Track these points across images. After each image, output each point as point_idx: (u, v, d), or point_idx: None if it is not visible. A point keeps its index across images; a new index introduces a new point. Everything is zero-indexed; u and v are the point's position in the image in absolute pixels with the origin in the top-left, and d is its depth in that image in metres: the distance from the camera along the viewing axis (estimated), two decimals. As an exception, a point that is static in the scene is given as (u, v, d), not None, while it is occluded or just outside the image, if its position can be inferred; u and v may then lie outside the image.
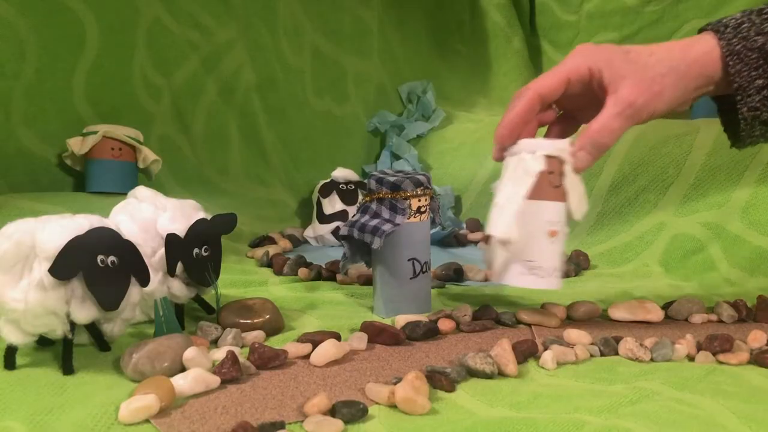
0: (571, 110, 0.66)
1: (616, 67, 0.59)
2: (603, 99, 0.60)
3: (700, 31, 0.61)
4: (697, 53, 0.59)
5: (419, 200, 0.67)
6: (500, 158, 0.64)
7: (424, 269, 0.69)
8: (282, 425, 0.43)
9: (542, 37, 1.67)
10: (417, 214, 0.67)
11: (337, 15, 1.39)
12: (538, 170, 0.60)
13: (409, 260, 0.68)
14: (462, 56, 1.66)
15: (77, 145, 0.95)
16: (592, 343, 0.60)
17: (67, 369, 0.51)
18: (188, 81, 1.14)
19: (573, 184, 0.61)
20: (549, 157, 0.61)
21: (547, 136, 0.67)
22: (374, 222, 0.66)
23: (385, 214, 0.67)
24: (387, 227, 0.65)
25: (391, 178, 0.67)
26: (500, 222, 0.61)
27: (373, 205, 0.68)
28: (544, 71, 1.86)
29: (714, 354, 0.57)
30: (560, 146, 0.61)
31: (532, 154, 0.61)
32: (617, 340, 0.60)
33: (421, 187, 0.67)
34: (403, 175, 0.68)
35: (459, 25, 1.66)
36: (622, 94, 0.58)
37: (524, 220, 0.60)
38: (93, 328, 0.54)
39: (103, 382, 0.50)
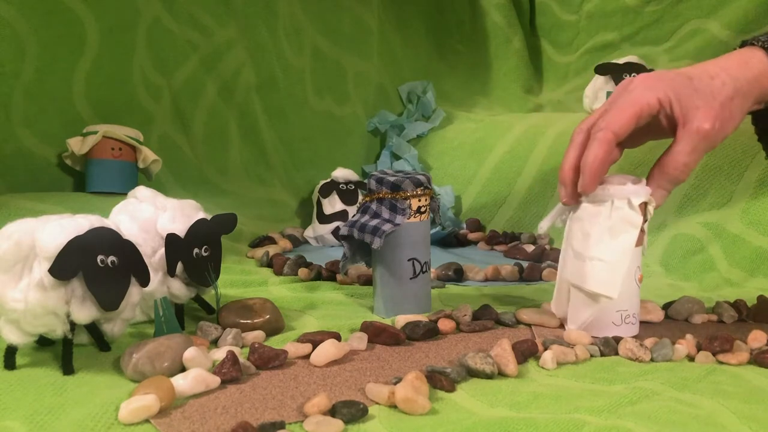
0: None
1: (685, 97, 0.57)
2: (666, 128, 0.58)
3: (743, 44, 0.60)
4: (755, 72, 0.58)
5: (419, 200, 0.67)
6: (574, 203, 0.62)
7: (424, 269, 0.69)
8: (282, 425, 0.43)
9: (542, 37, 1.67)
10: (417, 214, 0.67)
11: (337, 15, 1.38)
12: (641, 222, 0.59)
13: (409, 260, 0.68)
14: (462, 56, 1.66)
15: (77, 145, 0.95)
16: (592, 343, 0.59)
17: (67, 369, 0.51)
18: (188, 81, 1.14)
19: (648, 223, 0.61)
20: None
21: None
22: (374, 222, 0.66)
23: (385, 214, 0.67)
24: (387, 227, 0.65)
25: (391, 178, 0.67)
26: (610, 280, 0.59)
27: (373, 205, 0.68)
28: (544, 71, 1.85)
29: (714, 354, 0.57)
30: (648, 190, 0.60)
31: (626, 203, 0.59)
32: (617, 340, 0.60)
33: (421, 187, 0.67)
34: (403, 175, 0.68)
35: (459, 25, 1.66)
36: (695, 126, 0.56)
37: None
38: (93, 328, 0.54)
39: (103, 382, 0.50)
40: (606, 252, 0.59)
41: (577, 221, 0.61)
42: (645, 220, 0.60)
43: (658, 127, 0.60)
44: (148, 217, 0.61)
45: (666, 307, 0.70)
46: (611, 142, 0.57)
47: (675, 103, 0.57)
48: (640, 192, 0.59)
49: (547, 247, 1.05)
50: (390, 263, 0.68)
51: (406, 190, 0.66)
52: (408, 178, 0.67)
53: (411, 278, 0.68)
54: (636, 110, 0.57)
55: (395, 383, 0.49)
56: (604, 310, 0.61)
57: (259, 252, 0.98)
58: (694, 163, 0.58)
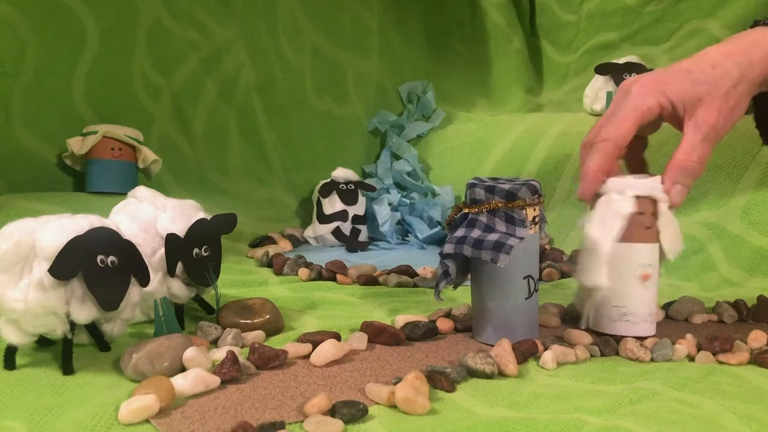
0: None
1: (685, 92, 0.57)
2: (674, 124, 0.58)
3: (755, 24, 0.59)
4: (760, 54, 0.57)
5: (534, 209, 0.59)
6: (588, 199, 0.61)
7: (536, 287, 0.60)
8: (282, 425, 0.43)
9: (542, 37, 1.67)
10: (532, 225, 0.59)
11: (337, 15, 1.39)
12: (628, 212, 0.58)
13: (524, 278, 0.59)
14: (462, 56, 1.66)
15: (77, 145, 0.95)
16: (592, 343, 0.59)
17: (67, 369, 0.51)
18: (188, 81, 1.14)
19: (667, 222, 0.60)
20: (639, 198, 0.58)
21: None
22: (493, 237, 0.58)
23: (501, 227, 0.58)
24: (512, 242, 0.57)
25: (505, 186, 0.58)
26: (590, 268, 0.58)
27: (483, 218, 0.59)
28: (545, 71, 1.84)
29: (714, 354, 0.57)
30: (650, 185, 0.59)
31: (620, 195, 0.58)
32: (617, 340, 0.60)
33: (536, 195, 0.59)
34: (516, 182, 0.59)
35: (459, 25, 1.66)
36: (700, 117, 0.56)
37: (615, 264, 0.58)
38: (93, 328, 0.54)
39: (103, 382, 0.50)
40: (590, 241, 0.59)
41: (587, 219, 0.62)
42: (656, 218, 0.60)
43: (660, 123, 0.60)
44: (148, 217, 0.61)
45: (666, 307, 0.70)
46: (611, 154, 0.58)
47: (677, 103, 0.57)
48: (635, 185, 0.59)
49: (547, 247, 1.04)
50: (504, 283, 0.59)
51: (523, 198, 0.58)
52: (524, 185, 0.58)
53: (526, 298, 0.59)
54: (636, 118, 0.58)
55: (395, 383, 0.49)
56: (601, 304, 0.60)
57: (259, 252, 0.98)
58: (705, 154, 0.57)
